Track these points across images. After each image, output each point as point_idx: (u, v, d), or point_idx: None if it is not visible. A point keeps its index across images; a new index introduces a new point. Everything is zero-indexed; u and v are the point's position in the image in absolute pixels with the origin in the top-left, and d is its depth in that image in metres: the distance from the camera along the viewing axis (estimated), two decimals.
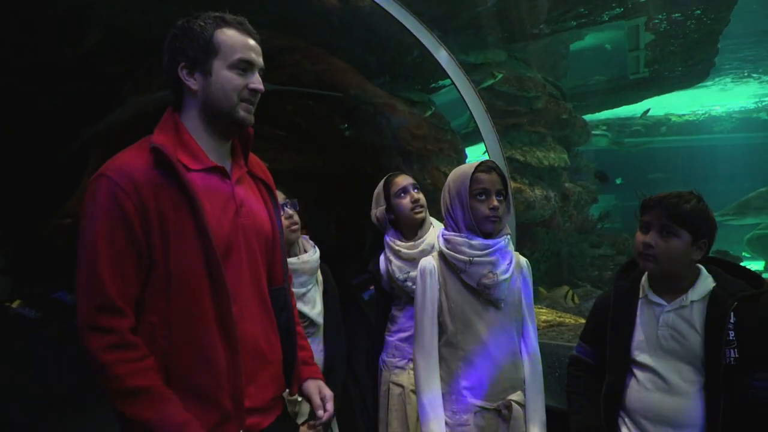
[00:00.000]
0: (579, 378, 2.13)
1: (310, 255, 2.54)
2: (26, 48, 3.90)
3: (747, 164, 19.61)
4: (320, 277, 2.61)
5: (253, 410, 1.59)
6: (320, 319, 2.49)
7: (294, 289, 2.37)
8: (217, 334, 1.50)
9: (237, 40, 1.58)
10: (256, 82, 1.61)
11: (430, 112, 6.48)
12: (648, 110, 14.23)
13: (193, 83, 1.57)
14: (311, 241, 2.64)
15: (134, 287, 1.45)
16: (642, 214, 1.89)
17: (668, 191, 1.87)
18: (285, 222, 2.44)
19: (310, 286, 2.50)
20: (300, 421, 2.37)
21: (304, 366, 1.86)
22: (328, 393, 1.82)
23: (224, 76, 1.56)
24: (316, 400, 1.79)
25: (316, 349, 2.50)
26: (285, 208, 2.46)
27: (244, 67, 1.59)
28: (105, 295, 1.39)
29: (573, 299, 5.46)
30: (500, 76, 7.18)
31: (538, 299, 6.12)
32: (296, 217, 2.50)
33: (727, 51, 12.38)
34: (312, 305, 2.47)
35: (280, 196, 2.47)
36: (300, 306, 2.39)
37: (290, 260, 2.43)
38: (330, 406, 1.78)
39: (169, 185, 1.48)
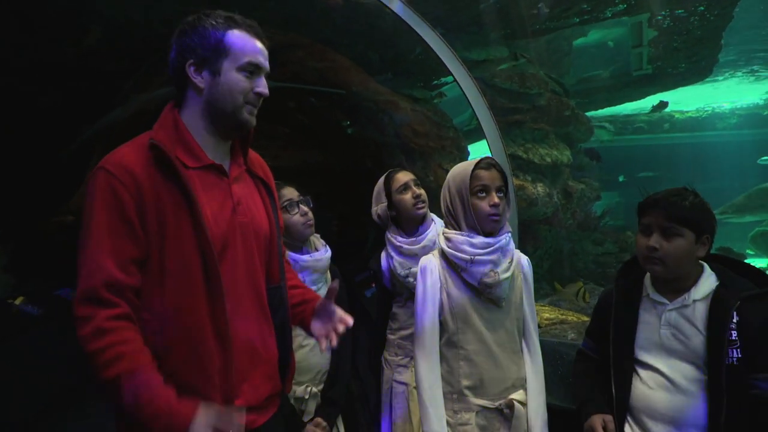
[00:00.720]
0: (584, 366, 2.15)
1: (322, 254, 2.54)
2: (27, 47, 3.90)
3: (749, 161, 19.54)
4: (329, 277, 2.61)
5: (247, 408, 1.59)
6: None
7: None
8: (210, 331, 1.51)
9: (247, 43, 1.59)
10: (262, 86, 1.63)
11: (438, 101, 6.51)
12: (666, 104, 13.85)
13: (200, 81, 1.57)
14: (322, 240, 2.64)
15: (134, 277, 1.45)
16: (641, 216, 1.88)
17: (661, 190, 1.87)
18: (300, 219, 2.45)
19: (320, 285, 2.50)
20: (306, 419, 2.37)
21: (310, 303, 1.84)
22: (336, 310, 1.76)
23: (232, 77, 1.57)
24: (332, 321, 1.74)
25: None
26: (300, 205, 2.46)
27: (252, 70, 1.60)
28: (101, 282, 1.39)
29: (584, 297, 5.42)
30: (522, 60, 7.17)
31: (551, 294, 6.13)
32: (311, 214, 2.50)
33: (738, 47, 12.35)
34: None
35: (294, 194, 2.47)
36: None
37: (303, 258, 2.45)
38: (346, 319, 1.73)
39: (168, 182, 1.49)
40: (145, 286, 1.47)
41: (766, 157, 18.61)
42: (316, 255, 2.51)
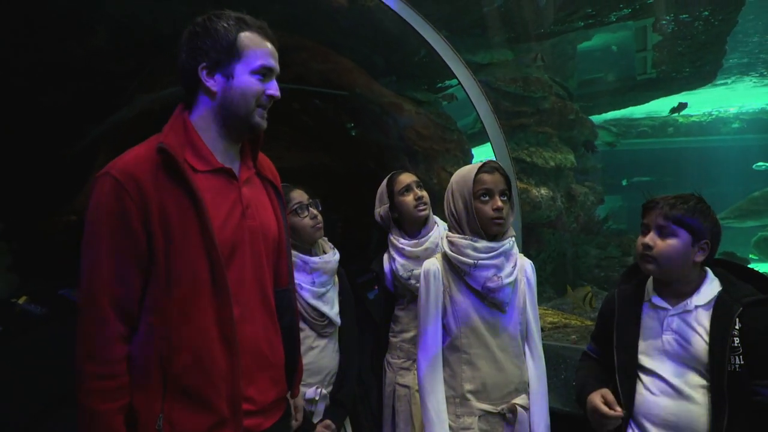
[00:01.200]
0: (587, 362, 2.15)
1: (331, 256, 2.55)
2: (32, 47, 3.91)
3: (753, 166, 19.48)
4: (337, 279, 2.62)
5: (253, 412, 1.59)
6: (338, 319, 2.50)
7: (314, 289, 2.39)
8: (216, 337, 1.50)
9: (260, 45, 1.58)
10: (274, 88, 1.62)
11: (447, 103, 6.52)
12: (685, 105, 13.56)
13: (212, 84, 1.56)
14: (330, 243, 2.65)
15: (136, 293, 1.46)
16: (642, 217, 1.89)
17: (664, 194, 1.87)
18: (310, 222, 2.45)
19: (329, 287, 2.51)
20: (315, 420, 2.38)
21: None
22: (300, 404, 1.98)
23: (245, 80, 1.56)
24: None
25: (332, 348, 2.51)
26: (309, 208, 2.47)
27: (265, 72, 1.59)
28: (105, 322, 1.43)
29: (590, 303, 5.39)
30: (540, 63, 7.18)
31: (555, 298, 6.11)
32: (320, 217, 2.51)
33: (746, 51, 12.32)
34: (331, 305, 2.49)
35: (304, 197, 2.48)
36: (320, 305, 2.41)
37: (313, 260, 2.45)
38: (300, 416, 1.98)
39: (175, 186, 1.48)
40: (151, 292, 1.47)
41: (760, 163, 18.56)
42: (326, 257, 2.52)
